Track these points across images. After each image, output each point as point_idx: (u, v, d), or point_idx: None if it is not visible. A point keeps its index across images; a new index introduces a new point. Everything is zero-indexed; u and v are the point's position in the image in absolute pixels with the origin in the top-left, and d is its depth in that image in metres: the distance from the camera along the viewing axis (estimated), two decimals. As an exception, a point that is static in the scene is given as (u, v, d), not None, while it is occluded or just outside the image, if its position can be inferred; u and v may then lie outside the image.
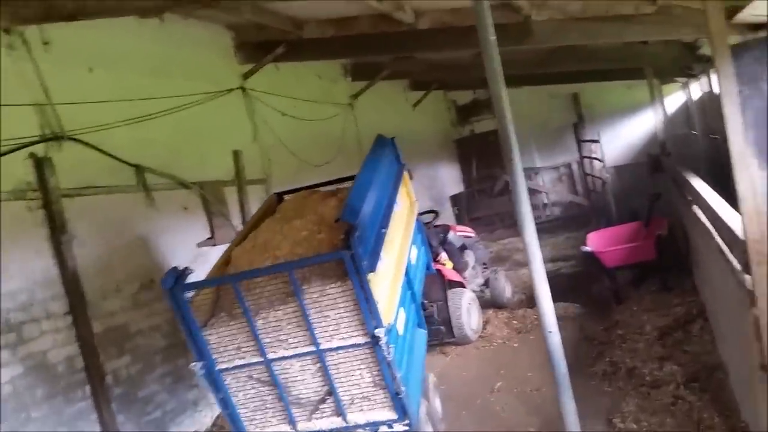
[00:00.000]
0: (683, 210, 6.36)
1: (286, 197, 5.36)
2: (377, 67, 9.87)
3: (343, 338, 3.72)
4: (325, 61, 9.19)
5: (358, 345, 3.71)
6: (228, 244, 4.90)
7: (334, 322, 3.69)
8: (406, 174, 5.30)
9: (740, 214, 2.89)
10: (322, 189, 5.26)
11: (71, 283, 4.94)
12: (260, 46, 7.15)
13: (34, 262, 4.72)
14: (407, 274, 4.59)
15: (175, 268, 3.93)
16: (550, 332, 3.60)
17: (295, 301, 3.65)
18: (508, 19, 5.70)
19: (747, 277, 3.00)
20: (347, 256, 3.45)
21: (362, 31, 6.39)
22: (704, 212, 4.54)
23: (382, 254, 3.93)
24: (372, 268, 3.60)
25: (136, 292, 5.55)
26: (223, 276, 4.13)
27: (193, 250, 6.15)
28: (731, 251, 3.44)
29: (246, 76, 7.40)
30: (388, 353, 3.61)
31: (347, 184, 5.00)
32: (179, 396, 5.81)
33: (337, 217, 3.60)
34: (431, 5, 5.89)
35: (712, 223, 4.12)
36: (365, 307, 3.57)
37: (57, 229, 4.88)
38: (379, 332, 3.57)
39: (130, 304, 5.49)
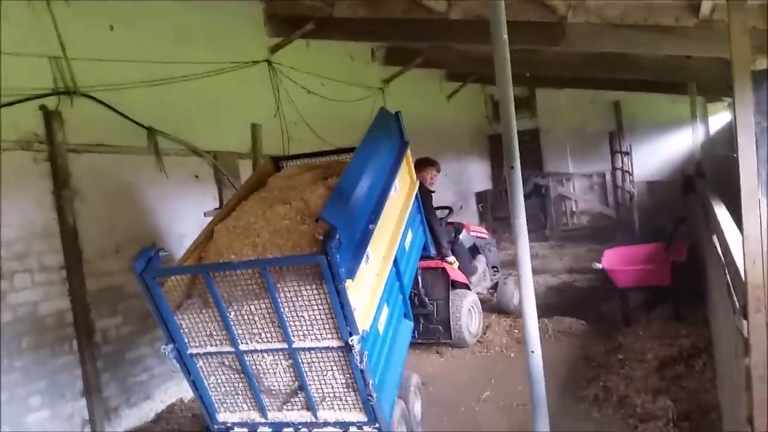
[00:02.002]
0: (704, 237, 6.08)
1: (283, 165, 5.15)
2: (412, 54, 9.67)
3: (316, 339, 3.57)
4: (358, 42, 9.03)
5: (331, 348, 3.57)
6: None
7: (307, 322, 3.53)
8: (408, 152, 4.98)
9: (743, 254, 2.68)
10: (323, 159, 5.05)
11: (69, 238, 4.95)
12: (290, 21, 7.05)
13: (35, 214, 4.75)
14: (397, 263, 4.36)
15: (148, 250, 3.80)
16: (532, 352, 3.45)
17: (269, 297, 3.50)
18: (543, 18, 5.46)
19: (744, 322, 2.79)
20: (323, 261, 3.23)
21: (393, 15, 6.21)
22: (720, 244, 4.28)
23: (369, 250, 3.76)
24: (350, 275, 3.38)
25: (136, 254, 5.55)
26: (195, 265, 3.99)
27: (199, 219, 6.09)
28: (734, 292, 3.22)
29: (274, 49, 7.30)
30: (361, 362, 3.44)
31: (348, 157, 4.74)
32: (168, 362, 5.80)
33: (318, 214, 3.37)
34: (464, -5, 5.69)
35: (724, 258, 3.88)
36: (340, 314, 3.38)
37: (60, 184, 4.89)
38: (353, 340, 3.39)
39: (129, 266, 5.45)
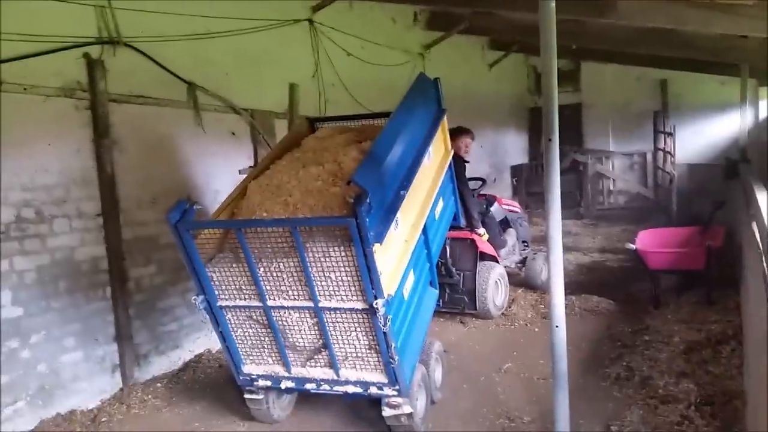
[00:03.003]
0: (744, 223, 5.91)
1: (318, 126, 5.14)
2: (455, 19, 9.47)
3: (341, 300, 3.62)
4: (401, 4, 8.87)
5: (356, 309, 3.61)
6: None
7: (334, 283, 3.57)
8: (444, 120, 4.93)
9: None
10: (359, 123, 5.02)
11: (107, 186, 5.07)
12: (333, -21, 6.94)
13: (74, 161, 4.86)
14: (426, 231, 4.36)
15: (183, 202, 3.81)
16: (556, 327, 3.42)
17: (298, 256, 3.54)
18: (593, -11, 5.27)
19: (778, 311, 2.73)
20: (353, 223, 3.24)
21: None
22: (758, 230, 4.16)
23: (398, 216, 3.75)
24: (379, 240, 3.38)
25: (171, 206, 5.63)
26: (228, 220, 4.06)
27: (233, 175, 6.17)
28: (771, 280, 3.14)
29: (316, 9, 7.24)
30: (385, 325, 3.48)
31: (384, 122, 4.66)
32: (197, 314, 5.93)
33: (350, 177, 3.36)
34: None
35: (761, 245, 3.78)
36: (366, 276, 3.41)
37: (100, 132, 4.98)
38: (378, 303, 3.43)
39: (164, 216, 5.55)
